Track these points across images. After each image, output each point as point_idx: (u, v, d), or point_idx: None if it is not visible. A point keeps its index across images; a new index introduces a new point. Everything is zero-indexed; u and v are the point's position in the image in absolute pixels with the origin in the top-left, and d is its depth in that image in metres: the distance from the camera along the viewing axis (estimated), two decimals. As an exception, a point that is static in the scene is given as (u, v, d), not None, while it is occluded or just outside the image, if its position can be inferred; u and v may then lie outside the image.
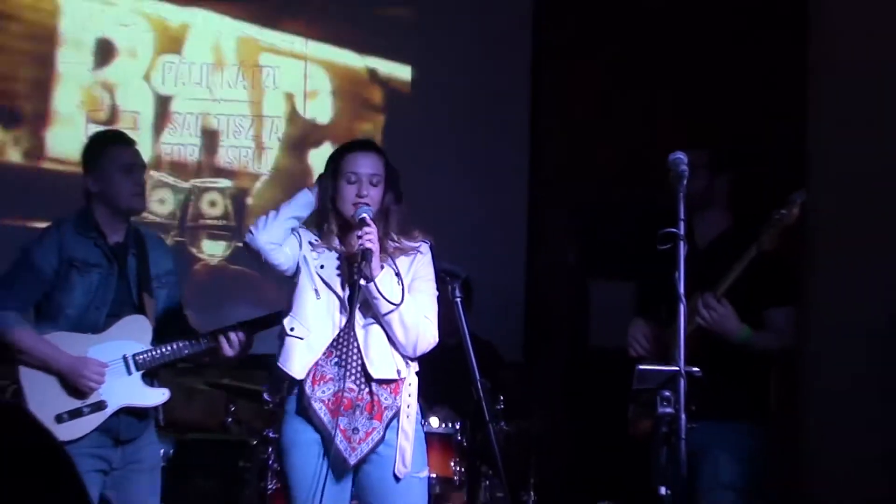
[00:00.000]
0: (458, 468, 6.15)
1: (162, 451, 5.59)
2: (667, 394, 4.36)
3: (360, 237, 4.60)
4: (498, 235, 8.28)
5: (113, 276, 5.03)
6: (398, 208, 4.82)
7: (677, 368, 4.36)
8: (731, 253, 5.26)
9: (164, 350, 5.06)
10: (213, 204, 8.22)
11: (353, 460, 4.63)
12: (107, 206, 5.05)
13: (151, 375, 5.12)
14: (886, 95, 7.15)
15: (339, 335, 4.67)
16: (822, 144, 7.58)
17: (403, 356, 4.72)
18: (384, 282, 4.64)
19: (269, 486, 6.09)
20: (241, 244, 7.99)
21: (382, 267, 4.66)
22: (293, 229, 4.74)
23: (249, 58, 8.32)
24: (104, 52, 8.25)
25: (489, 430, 4.41)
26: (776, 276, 5.32)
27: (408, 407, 4.70)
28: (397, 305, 4.61)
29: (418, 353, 4.73)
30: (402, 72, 8.50)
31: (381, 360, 4.69)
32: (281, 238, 4.67)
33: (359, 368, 4.67)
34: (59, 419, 4.86)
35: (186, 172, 8.25)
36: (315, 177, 7.93)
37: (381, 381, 4.69)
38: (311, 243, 4.75)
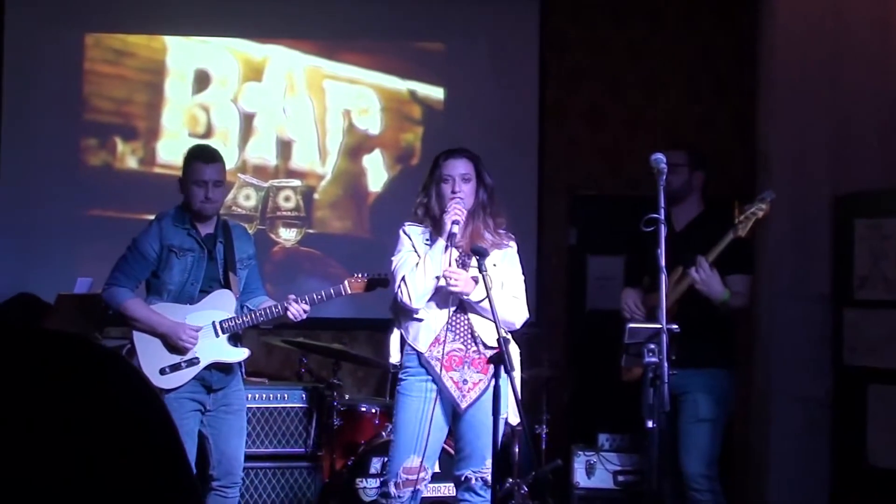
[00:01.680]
0: (486, 408, 6.07)
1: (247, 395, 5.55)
2: (652, 346, 4.37)
3: (447, 212, 4.57)
4: (514, 221, 8.07)
5: (204, 259, 5.04)
6: (487, 200, 4.74)
7: (660, 326, 4.36)
8: (704, 234, 5.44)
9: (243, 318, 5.07)
10: (287, 199, 8.13)
11: (463, 405, 4.62)
12: (187, 208, 5.07)
13: (236, 337, 5.10)
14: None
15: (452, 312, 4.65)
16: (768, 148, 7.45)
17: None
18: (479, 293, 4.60)
19: (335, 423, 6.03)
20: (310, 231, 8.02)
21: (476, 281, 4.60)
22: (404, 233, 4.69)
23: (315, 83, 8.20)
24: (201, 80, 8.17)
25: (510, 376, 4.28)
26: (739, 251, 5.40)
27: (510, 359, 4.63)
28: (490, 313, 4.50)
29: (516, 327, 4.75)
30: (436, 93, 8.38)
31: (487, 330, 4.66)
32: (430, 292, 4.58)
33: (467, 332, 4.65)
34: (162, 371, 4.91)
35: (266, 174, 8.15)
36: (368, 176, 8.12)
37: (485, 343, 4.64)
38: (424, 241, 4.67)
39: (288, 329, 5.94)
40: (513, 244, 4.86)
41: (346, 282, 5.10)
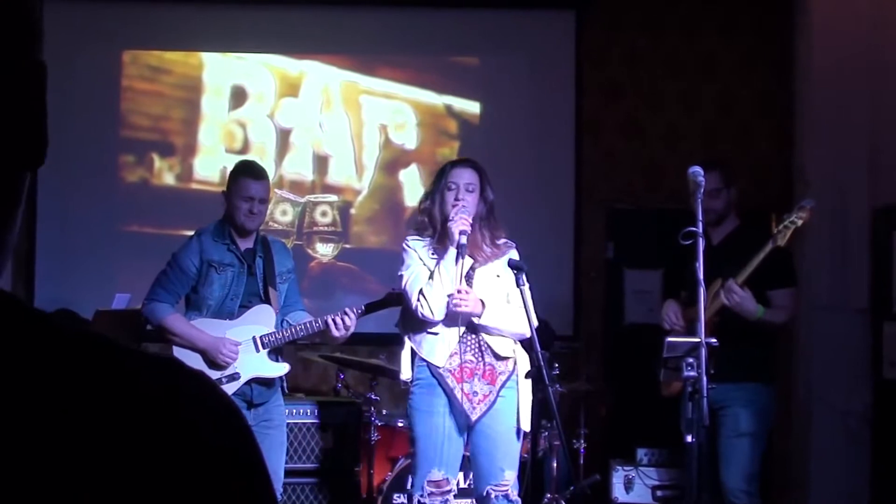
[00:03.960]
0: (523, 422, 6.09)
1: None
2: (691, 360, 4.37)
3: (453, 220, 4.59)
4: (551, 235, 8.21)
5: (244, 274, 5.06)
6: (486, 214, 4.77)
7: (699, 340, 4.36)
8: (741, 247, 5.39)
9: (284, 333, 5.07)
10: (324, 214, 8.19)
11: (474, 417, 4.64)
12: (230, 222, 5.07)
13: (276, 352, 5.12)
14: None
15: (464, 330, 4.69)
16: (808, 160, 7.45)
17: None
18: (490, 316, 4.65)
19: (372, 438, 6.07)
20: (347, 245, 8.08)
21: (484, 306, 4.64)
22: (408, 247, 4.74)
23: (351, 98, 8.26)
24: (238, 96, 8.25)
25: (548, 391, 4.31)
26: (780, 263, 5.34)
27: (516, 374, 4.72)
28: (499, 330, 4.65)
29: (527, 336, 4.67)
30: (472, 107, 8.41)
31: (499, 341, 4.70)
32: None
33: (476, 343, 4.67)
34: None
35: (303, 189, 8.21)
36: (404, 191, 8.17)
37: (495, 354, 4.64)
38: (430, 254, 4.71)
39: (325, 344, 5.98)
40: (514, 253, 4.83)
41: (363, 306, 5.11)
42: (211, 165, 8.14)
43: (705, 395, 4.24)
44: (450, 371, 4.62)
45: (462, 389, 4.61)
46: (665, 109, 8.34)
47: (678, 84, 8.34)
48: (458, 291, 4.56)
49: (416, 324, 4.69)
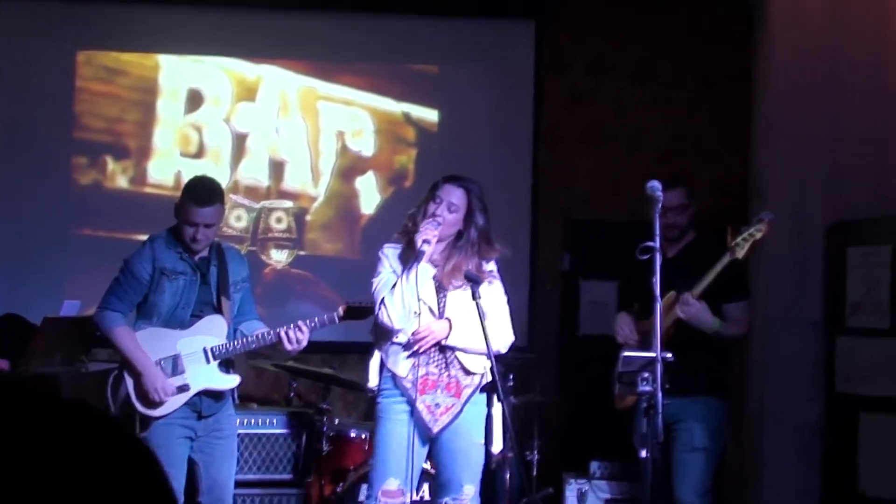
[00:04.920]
0: (479, 434, 6.05)
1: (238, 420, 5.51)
2: (646, 375, 4.34)
3: (419, 232, 4.61)
4: (507, 244, 8.13)
5: (196, 282, 4.98)
6: (476, 239, 4.72)
7: (655, 354, 4.33)
8: (696, 260, 5.40)
9: (235, 344, 5.00)
10: (279, 220, 8.11)
11: (435, 429, 4.62)
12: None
13: (227, 363, 5.05)
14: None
15: None
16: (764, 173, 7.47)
17: None
18: (459, 336, 4.63)
19: (324, 449, 6.01)
20: (302, 252, 8.01)
21: (450, 327, 4.62)
22: (382, 254, 4.71)
23: (309, 104, 8.20)
24: (193, 99, 8.16)
25: (503, 404, 4.28)
26: (734, 276, 5.35)
27: (480, 387, 4.70)
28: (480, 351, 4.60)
29: (503, 352, 4.74)
30: (430, 115, 8.36)
31: (468, 356, 4.70)
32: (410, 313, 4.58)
33: (441, 357, 4.66)
34: None
35: (258, 195, 8.13)
36: (361, 198, 8.12)
37: (464, 369, 4.63)
38: (399, 258, 4.68)
39: (277, 353, 5.92)
40: (493, 280, 4.81)
41: (340, 309, 5.00)
42: (165, 169, 8.03)
43: (660, 410, 4.22)
44: (412, 382, 4.58)
45: (424, 402, 4.57)
46: (626, 120, 8.34)
47: (639, 95, 8.34)
48: (415, 334, 4.54)
49: (384, 332, 4.66)
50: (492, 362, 4.34)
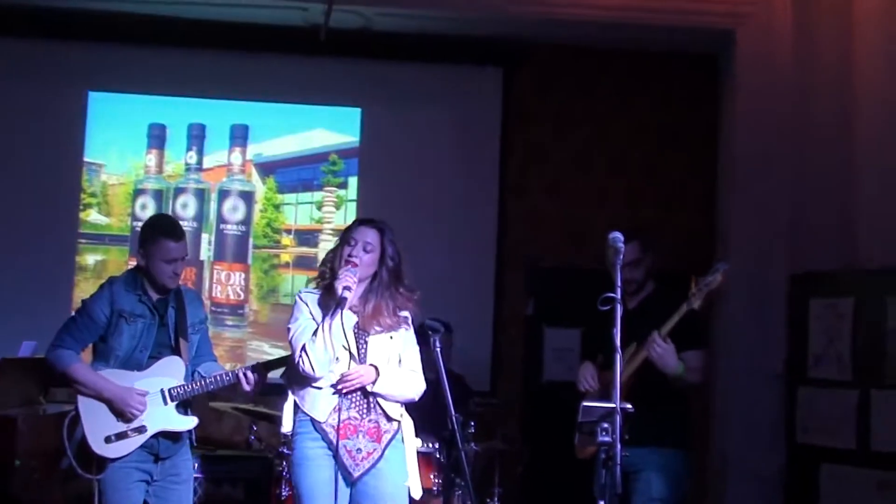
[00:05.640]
0: (436, 480, 6.03)
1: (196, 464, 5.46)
2: (605, 425, 4.32)
3: (338, 278, 4.56)
4: (472, 291, 8.23)
5: (154, 325, 4.92)
6: (388, 279, 4.72)
7: (614, 405, 4.31)
8: (657, 310, 5.42)
9: (193, 385, 4.94)
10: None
11: (356, 474, 4.57)
12: (148, 278, 4.94)
13: (185, 404, 4.99)
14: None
15: None
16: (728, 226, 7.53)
17: None
18: (385, 383, 4.61)
19: (283, 493, 5.97)
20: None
21: (377, 373, 4.60)
22: (300, 300, 4.68)
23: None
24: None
25: (461, 454, 4.27)
26: (691, 325, 5.33)
27: (404, 432, 4.69)
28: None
29: (415, 399, 4.71)
30: (393, 157, 8.43)
31: (389, 403, 4.67)
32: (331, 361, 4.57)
33: (362, 401, 4.62)
34: (108, 440, 4.79)
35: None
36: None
37: (385, 414, 4.63)
38: (318, 304, 4.65)
39: (239, 395, 5.89)
40: (409, 327, 4.81)
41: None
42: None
43: (619, 462, 4.21)
44: (332, 426, 4.56)
45: (345, 446, 4.56)
46: (592, 171, 8.39)
47: (605, 146, 8.40)
48: (343, 376, 4.53)
49: (300, 377, 4.63)
50: (450, 411, 4.33)
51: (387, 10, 7.84)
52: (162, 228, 5.03)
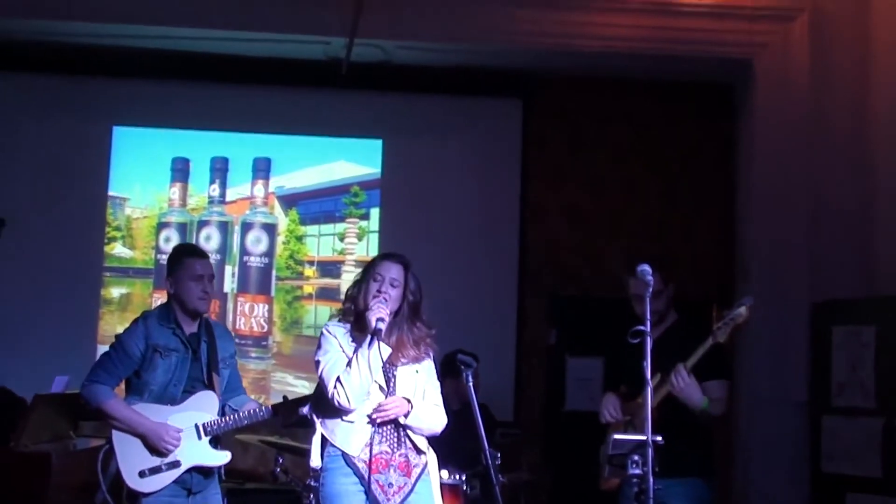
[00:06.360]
0: (463, 511, 6.04)
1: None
2: (636, 458, 4.33)
3: (370, 310, 4.58)
4: (495, 321, 8.26)
5: (188, 359, 4.98)
6: (408, 313, 4.75)
7: (644, 437, 4.32)
8: (681, 341, 5.36)
9: (227, 420, 5.00)
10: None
11: None
12: (179, 305, 5.00)
13: (216, 439, 5.03)
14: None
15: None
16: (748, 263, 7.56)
17: None
18: (417, 416, 4.64)
19: (310, 526, 5.97)
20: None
21: (410, 406, 4.62)
22: (328, 333, 4.71)
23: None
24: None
25: (496, 490, 4.30)
26: (715, 356, 5.29)
27: (430, 465, 4.70)
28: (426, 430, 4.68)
29: (438, 432, 4.73)
30: (416, 187, 8.50)
31: (418, 436, 4.70)
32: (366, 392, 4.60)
33: (393, 435, 4.63)
34: (142, 474, 4.82)
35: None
36: None
37: (415, 447, 4.65)
38: (349, 341, 4.68)
39: (264, 426, 5.92)
40: (430, 359, 4.83)
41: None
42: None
43: (651, 495, 4.22)
44: (364, 461, 4.58)
45: (377, 480, 4.56)
46: (608, 199, 8.43)
47: (621, 175, 8.44)
48: (380, 405, 4.56)
49: (331, 410, 4.64)
50: (484, 446, 4.36)
51: (406, 43, 7.92)
52: (185, 250, 5.20)
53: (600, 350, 7.71)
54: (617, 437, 4.52)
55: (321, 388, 4.67)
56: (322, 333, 4.79)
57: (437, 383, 4.83)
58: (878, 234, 7.02)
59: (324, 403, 4.67)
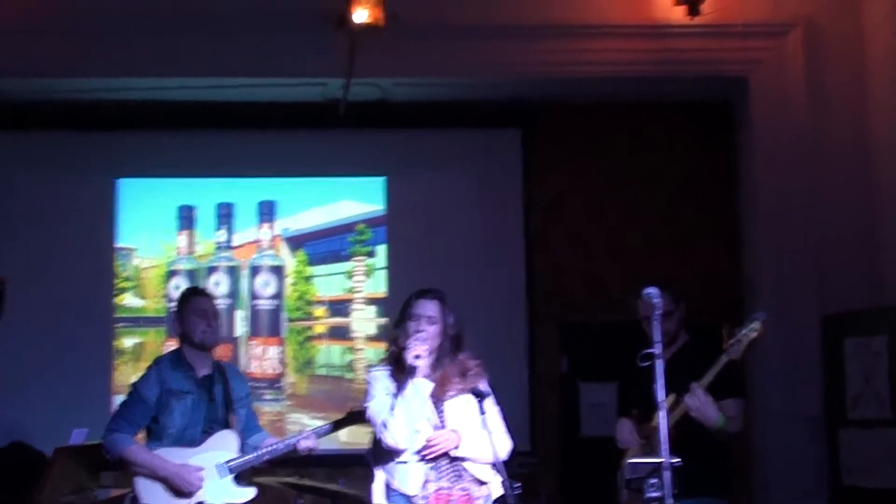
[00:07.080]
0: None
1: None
2: (653, 481, 4.32)
3: (407, 349, 4.60)
4: (506, 349, 8.21)
5: (203, 400, 5.10)
6: (449, 346, 4.78)
7: (661, 460, 4.31)
8: (692, 361, 5.36)
9: (249, 456, 5.10)
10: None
11: None
12: (188, 343, 5.11)
13: (239, 477, 5.12)
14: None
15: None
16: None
17: None
18: (468, 446, 4.64)
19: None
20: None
21: (459, 437, 4.63)
22: (373, 377, 4.73)
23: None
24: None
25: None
26: (729, 374, 5.29)
27: (491, 496, 4.69)
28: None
29: (504, 458, 4.70)
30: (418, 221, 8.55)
31: (477, 466, 4.69)
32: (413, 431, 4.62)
33: (450, 469, 4.64)
34: None
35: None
36: None
37: (475, 479, 4.65)
38: (394, 380, 4.70)
39: (281, 467, 5.94)
40: (484, 381, 4.85)
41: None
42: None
43: (669, 518, 4.23)
44: (425, 499, 4.58)
45: None
46: (610, 222, 8.45)
47: (622, 197, 8.46)
48: (427, 441, 4.57)
49: (386, 452, 4.66)
50: (503, 476, 4.37)
51: (403, 80, 7.97)
52: (190, 290, 5.41)
53: (612, 375, 7.73)
54: (632, 461, 4.52)
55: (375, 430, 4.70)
56: (368, 380, 4.83)
57: (496, 407, 4.84)
58: (882, 244, 7.05)
59: (380, 447, 4.70)
